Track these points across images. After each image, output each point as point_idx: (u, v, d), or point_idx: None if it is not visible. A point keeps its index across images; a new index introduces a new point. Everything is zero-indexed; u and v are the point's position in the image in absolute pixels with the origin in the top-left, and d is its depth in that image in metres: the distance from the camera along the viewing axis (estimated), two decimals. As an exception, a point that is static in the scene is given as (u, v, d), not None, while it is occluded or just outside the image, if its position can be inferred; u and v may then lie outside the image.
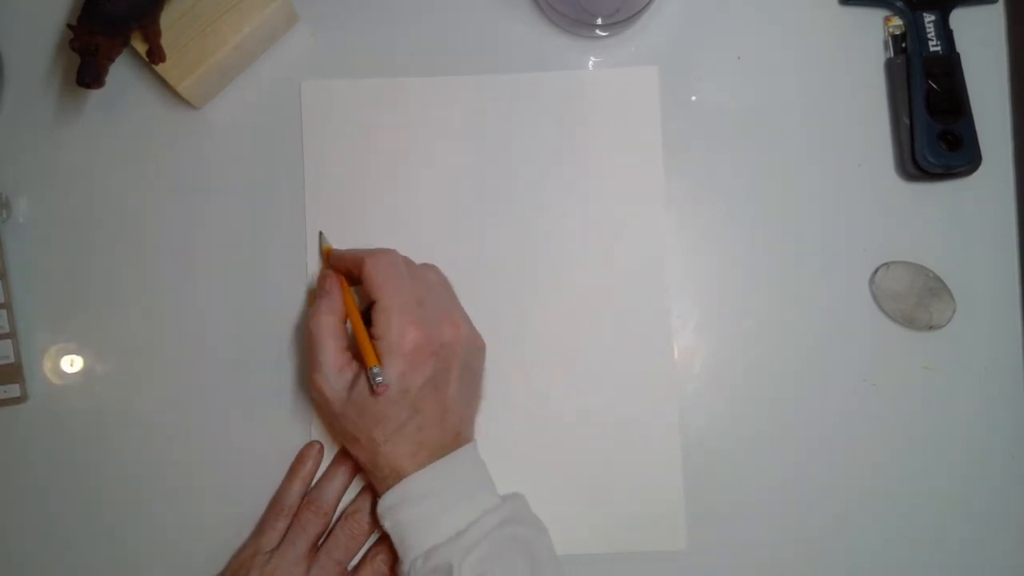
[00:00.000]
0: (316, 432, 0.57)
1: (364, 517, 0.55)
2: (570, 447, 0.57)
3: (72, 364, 0.58)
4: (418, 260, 0.57)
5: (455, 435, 0.52)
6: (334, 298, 0.53)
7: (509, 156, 0.59)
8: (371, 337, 0.51)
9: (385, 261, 0.52)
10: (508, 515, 0.50)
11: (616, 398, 0.58)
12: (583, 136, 0.59)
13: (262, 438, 0.57)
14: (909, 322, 0.58)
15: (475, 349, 0.54)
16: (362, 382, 0.50)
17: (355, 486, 0.57)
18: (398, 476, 0.50)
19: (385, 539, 0.55)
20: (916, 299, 0.57)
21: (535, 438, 0.57)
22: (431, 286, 0.53)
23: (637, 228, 0.59)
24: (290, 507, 0.56)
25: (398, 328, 0.50)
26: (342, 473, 0.56)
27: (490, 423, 0.56)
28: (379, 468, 0.51)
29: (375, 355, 0.50)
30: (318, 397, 0.52)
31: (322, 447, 0.57)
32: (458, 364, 0.52)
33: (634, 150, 0.59)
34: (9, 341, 0.57)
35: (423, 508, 0.50)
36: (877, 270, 0.58)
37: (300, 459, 0.57)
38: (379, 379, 0.49)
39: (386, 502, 0.51)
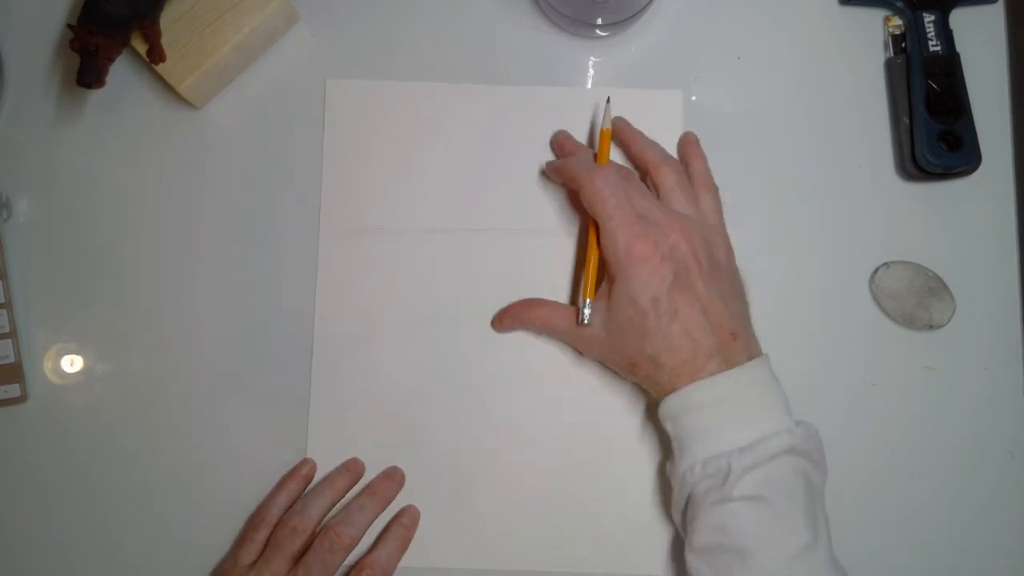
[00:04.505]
0: (312, 443, 0.57)
1: (345, 530, 0.53)
2: (560, 461, 0.57)
3: (72, 364, 0.58)
4: (419, 263, 0.57)
5: (729, 335, 0.50)
6: None
7: (523, 168, 0.59)
8: (601, 257, 0.52)
9: (600, 181, 0.52)
10: (796, 444, 0.48)
11: (617, 404, 0.57)
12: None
13: (262, 439, 0.57)
14: (909, 322, 0.58)
15: (712, 244, 0.53)
16: (611, 306, 0.51)
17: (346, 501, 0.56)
18: (689, 378, 0.50)
19: (371, 553, 0.54)
20: (916, 299, 0.57)
21: (519, 454, 0.56)
22: (646, 196, 0.53)
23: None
24: (270, 520, 0.54)
25: (625, 243, 0.50)
26: (330, 491, 0.55)
27: (468, 437, 0.57)
28: (661, 383, 0.51)
29: (592, 289, 0.53)
30: (579, 341, 0.55)
31: (314, 466, 0.56)
32: (696, 261, 0.51)
33: None
34: (9, 341, 0.57)
35: (707, 417, 0.49)
36: (877, 270, 0.58)
37: (290, 474, 0.56)
38: (587, 312, 0.52)
39: (667, 408, 0.50)
